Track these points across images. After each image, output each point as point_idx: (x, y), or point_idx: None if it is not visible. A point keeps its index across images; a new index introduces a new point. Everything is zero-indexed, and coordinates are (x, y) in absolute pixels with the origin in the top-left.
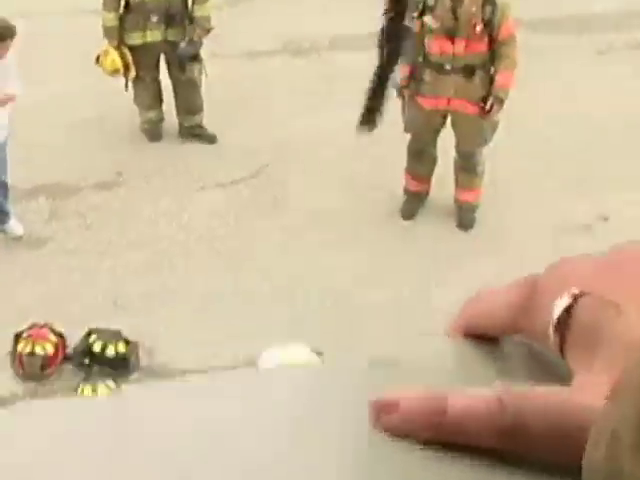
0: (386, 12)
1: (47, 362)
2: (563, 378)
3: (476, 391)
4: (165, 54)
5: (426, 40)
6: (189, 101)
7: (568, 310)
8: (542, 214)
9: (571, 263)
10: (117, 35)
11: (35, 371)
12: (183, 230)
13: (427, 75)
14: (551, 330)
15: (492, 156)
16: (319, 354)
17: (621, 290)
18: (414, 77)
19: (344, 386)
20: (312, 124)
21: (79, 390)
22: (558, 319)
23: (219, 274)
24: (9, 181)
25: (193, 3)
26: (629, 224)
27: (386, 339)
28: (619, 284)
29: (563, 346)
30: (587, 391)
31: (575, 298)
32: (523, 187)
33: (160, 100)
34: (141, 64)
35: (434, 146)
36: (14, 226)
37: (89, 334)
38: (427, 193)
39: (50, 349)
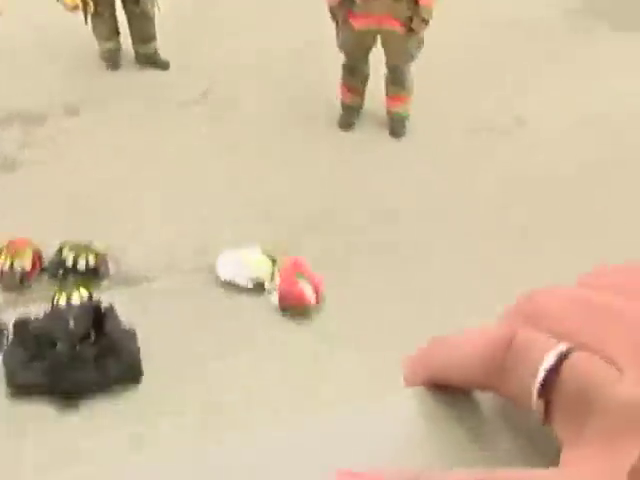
0: None
1: (25, 275)
2: (545, 445)
3: (452, 475)
4: None
5: None
6: (143, 31)
7: (554, 369)
8: (466, 120)
9: (548, 300)
10: None
11: (15, 283)
12: (144, 146)
13: None
14: (534, 393)
15: (419, 69)
16: (270, 257)
17: (616, 339)
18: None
19: (285, 458)
20: (259, 45)
21: (55, 298)
22: (543, 381)
23: (178, 184)
24: None
25: None
26: (545, 125)
27: (327, 241)
28: (613, 331)
29: (549, 412)
30: (576, 469)
31: (562, 355)
32: (448, 96)
33: (117, 32)
34: (99, 1)
35: (366, 63)
36: None
37: (62, 248)
38: (361, 105)
39: (27, 263)
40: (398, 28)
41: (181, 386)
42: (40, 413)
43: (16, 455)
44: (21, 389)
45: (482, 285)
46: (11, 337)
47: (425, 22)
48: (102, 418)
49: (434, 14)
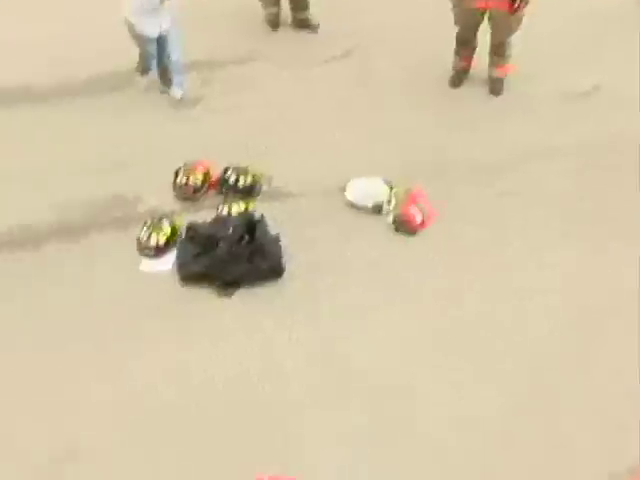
0: None
1: (197, 189)
2: None
3: None
4: None
5: None
6: (300, 0)
7: None
8: (554, 84)
9: None
10: None
11: (188, 195)
12: (296, 91)
13: None
14: None
15: (519, 40)
16: (389, 185)
17: None
18: None
19: None
20: (395, 15)
21: (219, 209)
22: None
23: (322, 125)
24: (173, 57)
25: None
26: (618, 93)
27: (437, 178)
28: None
29: None
30: None
31: None
32: (541, 64)
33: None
34: None
35: (475, 35)
36: (175, 91)
37: (227, 169)
38: (468, 70)
39: (200, 179)
40: (503, 8)
41: (314, 281)
42: (203, 297)
43: (183, 331)
44: (189, 278)
45: (568, 228)
46: (183, 237)
47: (525, 2)
48: (250, 304)
49: (536, 6)
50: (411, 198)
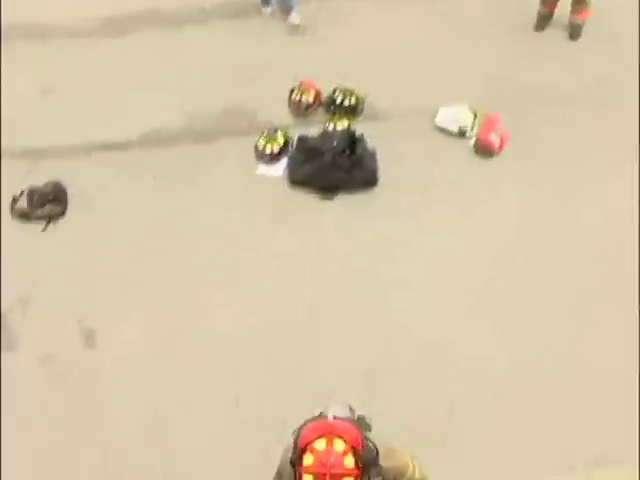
0: None
1: (309, 105)
2: None
3: None
4: None
5: None
6: None
7: None
8: (628, 27)
9: None
10: None
11: (301, 111)
12: (397, 28)
13: None
14: None
15: None
16: (473, 112)
17: None
18: None
19: None
20: None
21: (326, 125)
22: None
23: (417, 58)
24: None
25: None
26: None
27: (513, 106)
28: None
29: None
30: None
31: None
32: (616, 12)
33: None
34: None
35: None
36: (293, 18)
37: (335, 90)
38: (552, 15)
39: (311, 98)
40: None
41: (402, 193)
42: (308, 198)
43: (289, 225)
44: (297, 182)
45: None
46: (294, 147)
47: None
48: (348, 208)
49: None
50: (489, 122)
